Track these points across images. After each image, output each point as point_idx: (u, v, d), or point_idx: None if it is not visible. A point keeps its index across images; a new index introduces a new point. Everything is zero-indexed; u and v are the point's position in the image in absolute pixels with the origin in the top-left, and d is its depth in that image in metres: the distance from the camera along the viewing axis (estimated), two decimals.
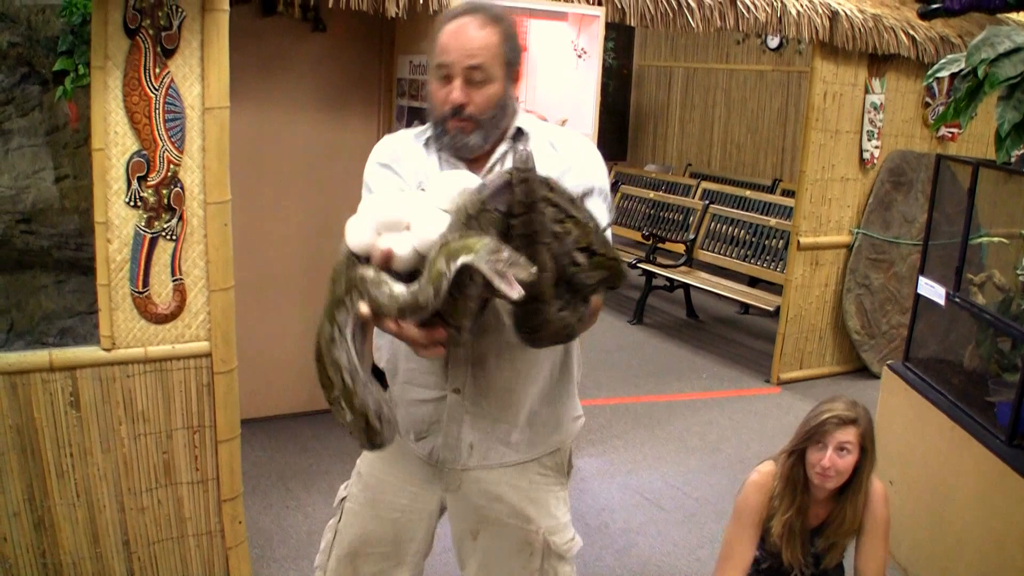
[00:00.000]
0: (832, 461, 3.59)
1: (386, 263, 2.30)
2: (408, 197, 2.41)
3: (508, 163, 2.79)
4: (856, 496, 3.70)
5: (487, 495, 3.00)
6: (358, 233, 2.36)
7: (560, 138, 2.95)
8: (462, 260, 2.09)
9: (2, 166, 4.11)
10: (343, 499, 3.19)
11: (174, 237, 4.04)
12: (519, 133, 2.90)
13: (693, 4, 6.55)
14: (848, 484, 3.70)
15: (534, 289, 2.20)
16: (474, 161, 2.85)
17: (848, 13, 7.60)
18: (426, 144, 2.89)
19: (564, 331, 2.49)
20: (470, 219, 2.19)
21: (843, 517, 3.72)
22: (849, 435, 3.60)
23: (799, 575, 3.81)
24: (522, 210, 2.23)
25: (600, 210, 2.71)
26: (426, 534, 3.16)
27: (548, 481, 3.08)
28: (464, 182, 2.42)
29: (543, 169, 2.37)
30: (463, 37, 2.70)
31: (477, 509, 3.04)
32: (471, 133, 2.77)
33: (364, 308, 2.27)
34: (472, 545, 3.12)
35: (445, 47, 2.71)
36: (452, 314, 2.24)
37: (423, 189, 2.56)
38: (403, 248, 2.29)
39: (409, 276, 2.26)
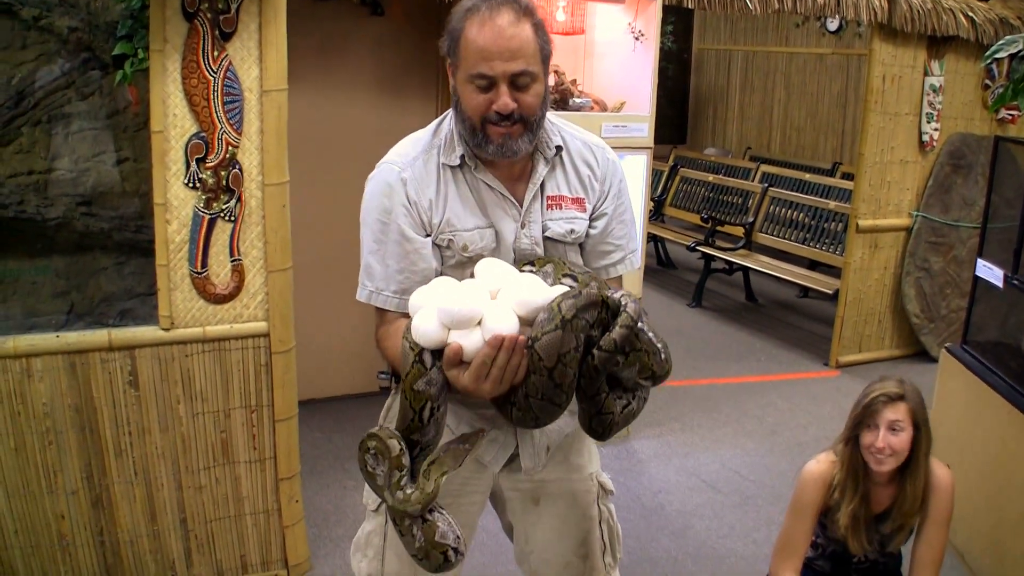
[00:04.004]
0: (886, 441, 3.53)
1: (457, 359, 2.34)
2: (475, 291, 2.40)
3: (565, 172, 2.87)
4: (916, 475, 3.62)
5: (542, 457, 3.01)
6: (427, 330, 2.37)
7: (592, 153, 2.91)
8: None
9: (63, 149, 4.15)
10: None
11: (232, 218, 4.08)
12: (559, 150, 2.83)
13: None
14: (907, 464, 3.63)
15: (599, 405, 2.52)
16: (514, 174, 2.79)
17: None
18: (452, 166, 2.75)
19: (630, 419, 2.66)
20: (564, 322, 2.29)
21: (905, 498, 3.65)
22: (899, 412, 3.55)
23: (863, 559, 3.79)
24: (611, 349, 2.40)
25: (632, 237, 3.00)
26: (476, 518, 3.16)
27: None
28: (504, 267, 2.55)
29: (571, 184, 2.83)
30: (501, 39, 2.52)
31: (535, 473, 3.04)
32: (519, 137, 2.63)
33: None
34: (536, 511, 3.12)
35: (483, 53, 2.53)
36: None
37: (471, 273, 2.60)
38: (473, 344, 2.33)
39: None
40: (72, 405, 4.01)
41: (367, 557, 3.08)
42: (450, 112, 2.80)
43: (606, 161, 2.93)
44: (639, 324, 2.46)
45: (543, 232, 2.80)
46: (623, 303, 2.43)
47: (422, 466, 2.48)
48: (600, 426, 2.56)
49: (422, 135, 2.84)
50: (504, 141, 2.62)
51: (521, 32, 2.55)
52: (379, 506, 3.01)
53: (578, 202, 2.86)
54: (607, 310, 2.41)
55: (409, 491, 2.43)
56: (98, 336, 4.01)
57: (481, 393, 2.35)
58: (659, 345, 2.53)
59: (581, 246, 2.92)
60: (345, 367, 6.84)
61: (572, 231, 2.84)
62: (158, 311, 4.09)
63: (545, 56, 2.64)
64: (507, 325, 2.31)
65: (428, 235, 2.73)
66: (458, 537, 2.54)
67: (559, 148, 2.83)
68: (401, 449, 2.47)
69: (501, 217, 2.76)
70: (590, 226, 2.90)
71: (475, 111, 2.60)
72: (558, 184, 2.84)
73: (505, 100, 2.56)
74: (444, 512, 2.54)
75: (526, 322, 2.34)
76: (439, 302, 2.36)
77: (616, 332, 2.38)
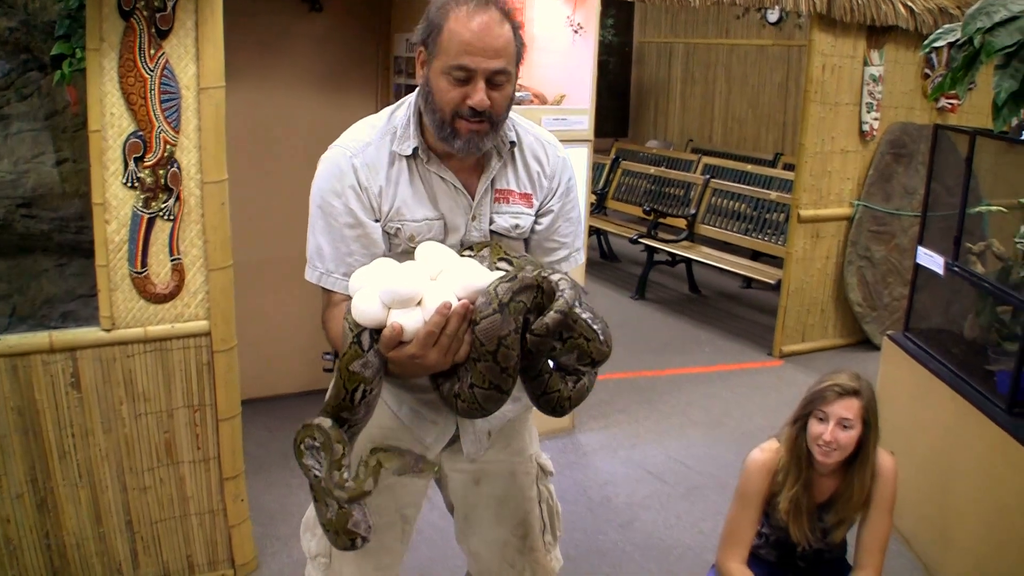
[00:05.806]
0: (834, 435, 3.52)
1: (396, 340, 2.36)
2: (416, 271, 2.44)
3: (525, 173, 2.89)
4: (863, 471, 3.62)
5: (483, 443, 3.05)
6: (366, 309, 2.39)
7: (544, 150, 2.94)
8: None
9: (2, 151, 4.13)
10: None
11: (172, 217, 4.06)
12: (513, 145, 2.84)
13: None
14: (853, 459, 3.63)
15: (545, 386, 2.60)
16: (467, 167, 2.79)
17: None
18: (405, 156, 2.76)
19: (585, 393, 2.71)
20: (502, 306, 2.34)
21: (850, 493, 3.64)
22: (851, 409, 3.53)
23: (807, 547, 3.80)
24: (542, 333, 2.44)
25: (578, 236, 3.06)
26: (422, 499, 3.22)
27: (523, 410, 3.14)
28: (444, 251, 2.60)
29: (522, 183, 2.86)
30: (488, 37, 2.54)
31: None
32: (485, 136, 2.65)
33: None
34: (476, 491, 3.17)
35: (468, 47, 2.54)
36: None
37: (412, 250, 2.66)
38: (414, 324, 2.36)
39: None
40: (15, 408, 3.97)
41: (316, 536, 3.13)
42: (407, 100, 2.82)
43: (556, 159, 2.95)
44: (576, 309, 2.49)
45: (489, 225, 2.82)
46: (560, 287, 2.47)
47: (366, 451, 2.56)
48: (548, 405, 2.61)
49: (376, 121, 2.85)
50: (471, 137, 2.63)
51: (505, 32, 2.59)
52: None
53: (525, 197, 2.89)
54: (543, 293, 2.43)
55: (349, 484, 2.47)
56: (39, 338, 3.97)
57: (426, 362, 2.37)
58: (596, 328, 2.53)
59: (526, 241, 2.94)
60: (289, 365, 6.81)
61: (517, 226, 2.86)
62: (99, 311, 4.06)
63: (519, 59, 2.68)
64: (451, 300, 2.34)
65: (377, 220, 2.74)
66: (369, 527, 2.63)
67: (513, 144, 2.84)
68: (343, 453, 2.49)
69: (452, 209, 2.78)
70: (536, 222, 2.92)
71: (448, 104, 2.60)
72: (508, 179, 2.86)
73: (481, 96, 2.56)
74: (361, 503, 2.60)
75: None
76: (381, 282, 2.38)
77: (549, 317, 2.41)
